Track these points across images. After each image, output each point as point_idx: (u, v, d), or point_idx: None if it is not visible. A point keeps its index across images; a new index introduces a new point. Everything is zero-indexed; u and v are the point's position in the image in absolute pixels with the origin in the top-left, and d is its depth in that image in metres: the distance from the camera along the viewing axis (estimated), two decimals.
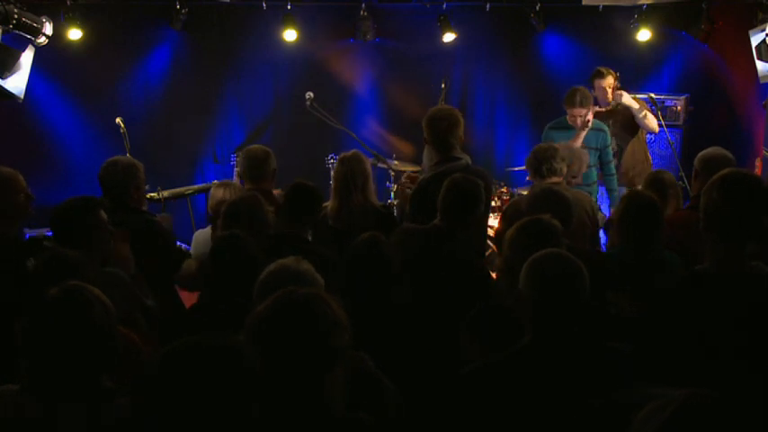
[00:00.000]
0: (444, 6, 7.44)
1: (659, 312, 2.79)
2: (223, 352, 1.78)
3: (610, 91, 6.25)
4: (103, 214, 3.55)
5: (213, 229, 4.42)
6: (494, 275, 5.20)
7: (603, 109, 6.26)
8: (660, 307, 2.80)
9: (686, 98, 7.30)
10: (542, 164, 4.55)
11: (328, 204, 4.62)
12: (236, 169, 7.31)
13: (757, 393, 2.39)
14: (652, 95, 6.59)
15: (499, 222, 4.83)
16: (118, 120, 6.60)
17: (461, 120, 4.50)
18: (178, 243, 5.33)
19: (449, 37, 7.46)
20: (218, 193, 4.82)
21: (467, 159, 4.51)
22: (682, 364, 2.58)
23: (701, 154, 4.50)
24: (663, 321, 2.74)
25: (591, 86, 6.18)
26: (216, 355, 1.77)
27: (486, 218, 4.81)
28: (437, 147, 4.47)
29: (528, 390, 2.40)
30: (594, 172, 5.83)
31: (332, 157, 7.06)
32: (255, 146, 4.98)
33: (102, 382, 2.25)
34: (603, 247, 4.84)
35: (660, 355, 2.65)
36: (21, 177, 3.95)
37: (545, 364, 2.42)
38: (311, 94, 6.42)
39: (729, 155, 4.45)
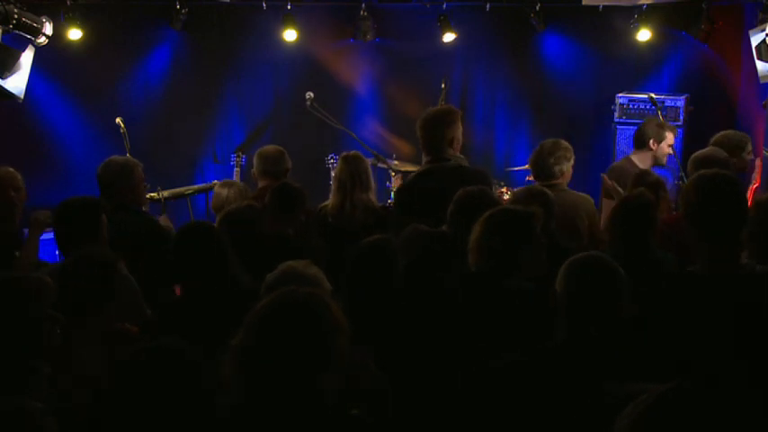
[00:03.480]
0: (444, 6, 7.43)
1: (649, 312, 2.80)
2: (175, 360, 1.81)
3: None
4: (104, 217, 3.58)
5: None
6: None
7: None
8: (650, 307, 2.81)
9: (686, 98, 7.29)
10: (541, 168, 4.57)
11: (328, 203, 4.63)
12: (235, 169, 7.34)
13: (740, 391, 2.39)
14: (652, 95, 6.58)
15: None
16: (118, 120, 6.60)
17: (456, 120, 4.45)
18: None
19: (449, 37, 7.45)
20: (221, 192, 4.86)
21: (458, 160, 4.46)
22: (671, 363, 2.59)
23: (693, 155, 4.52)
24: (653, 321, 2.75)
25: (657, 140, 5.28)
26: (167, 364, 1.80)
27: None
28: (426, 147, 4.45)
29: (559, 388, 2.41)
30: None
31: (332, 157, 7.06)
32: (270, 145, 5.09)
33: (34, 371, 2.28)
34: None
35: (651, 354, 2.66)
36: (18, 176, 3.98)
37: (578, 364, 2.43)
38: (311, 94, 6.42)
39: (722, 155, 4.45)
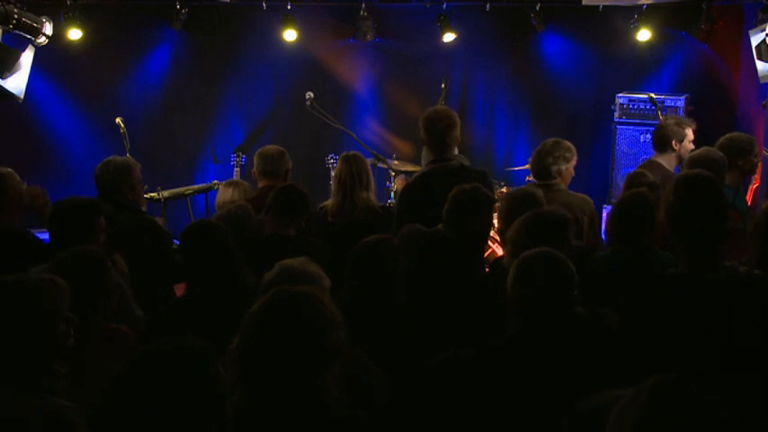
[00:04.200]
0: (444, 6, 7.43)
1: (631, 313, 2.80)
2: (194, 359, 1.82)
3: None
4: (101, 219, 3.57)
5: None
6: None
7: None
8: (632, 308, 2.81)
9: (686, 98, 7.29)
10: (539, 167, 4.56)
11: (328, 202, 4.64)
12: (236, 169, 7.34)
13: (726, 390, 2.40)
14: (652, 95, 6.57)
15: (499, 222, 4.81)
16: (118, 120, 6.61)
17: (458, 120, 4.48)
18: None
19: (449, 37, 7.45)
20: (226, 192, 4.86)
21: (461, 160, 4.47)
22: (651, 364, 2.59)
23: (689, 156, 4.49)
24: (633, 322, 2.75)
25: (678, 139, 5.07)
26: (187, 363, 1.81)
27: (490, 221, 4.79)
28: (432, 147, 4.46)
29: (506, 384, 2.43)
30: None
31: (332, 157, 7.08)
32: (271, 145, 5.09)
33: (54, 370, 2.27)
34: None
35: (633, 356, 2.66)
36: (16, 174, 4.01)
37: (528, 360, 2.44)
38: (311, 94, 6.42)
39: (717, 155, 4.43)
